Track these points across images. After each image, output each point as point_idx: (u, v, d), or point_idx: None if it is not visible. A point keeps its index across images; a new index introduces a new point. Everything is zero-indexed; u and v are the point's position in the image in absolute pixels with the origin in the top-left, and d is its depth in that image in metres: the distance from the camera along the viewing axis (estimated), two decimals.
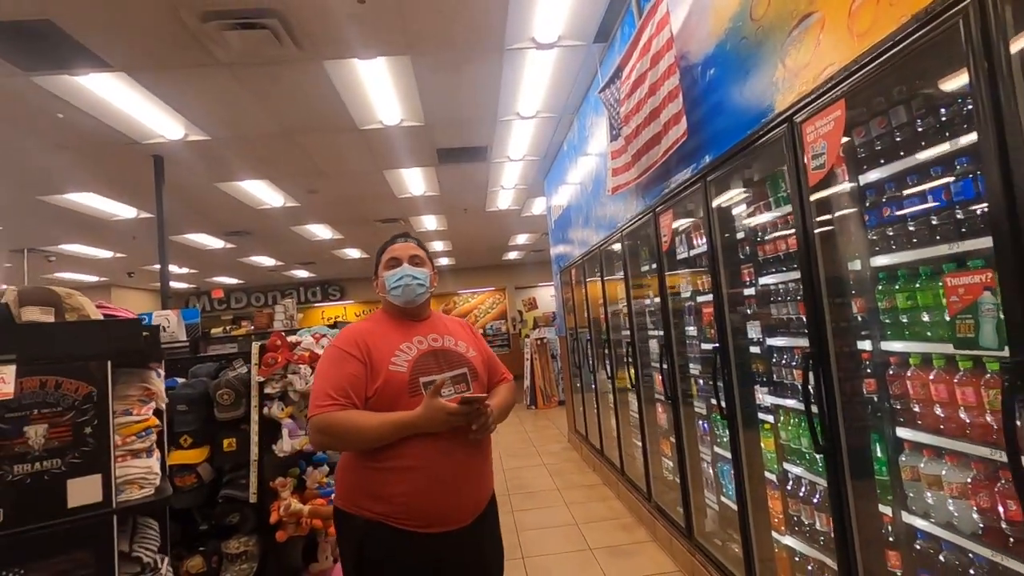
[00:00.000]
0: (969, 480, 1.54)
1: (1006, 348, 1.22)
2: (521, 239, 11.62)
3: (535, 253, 13.36)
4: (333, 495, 1.55)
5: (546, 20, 3.58)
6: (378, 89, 4.31)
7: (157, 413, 1.44)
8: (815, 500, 2.23)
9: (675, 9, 2.76)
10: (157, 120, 4.44)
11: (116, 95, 3.98)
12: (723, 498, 3.02)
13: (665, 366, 3.29)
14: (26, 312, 1.14)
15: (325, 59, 3.78)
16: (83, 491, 1.09)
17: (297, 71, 3.90)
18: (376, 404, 1.51)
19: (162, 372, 1.56)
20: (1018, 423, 1.17)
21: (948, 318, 1.49)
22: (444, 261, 13.82)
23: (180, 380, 2.74)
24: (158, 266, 5.49)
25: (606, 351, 4.75)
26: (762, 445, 2.54)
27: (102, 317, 1.32)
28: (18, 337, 1.10)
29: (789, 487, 2.41)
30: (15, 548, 1.02)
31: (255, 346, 2.71)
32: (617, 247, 4.24)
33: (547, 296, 15.00)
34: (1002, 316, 1.23)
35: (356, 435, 1.44)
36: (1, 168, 5.15)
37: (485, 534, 1.62)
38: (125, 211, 6.72)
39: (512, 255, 13.78)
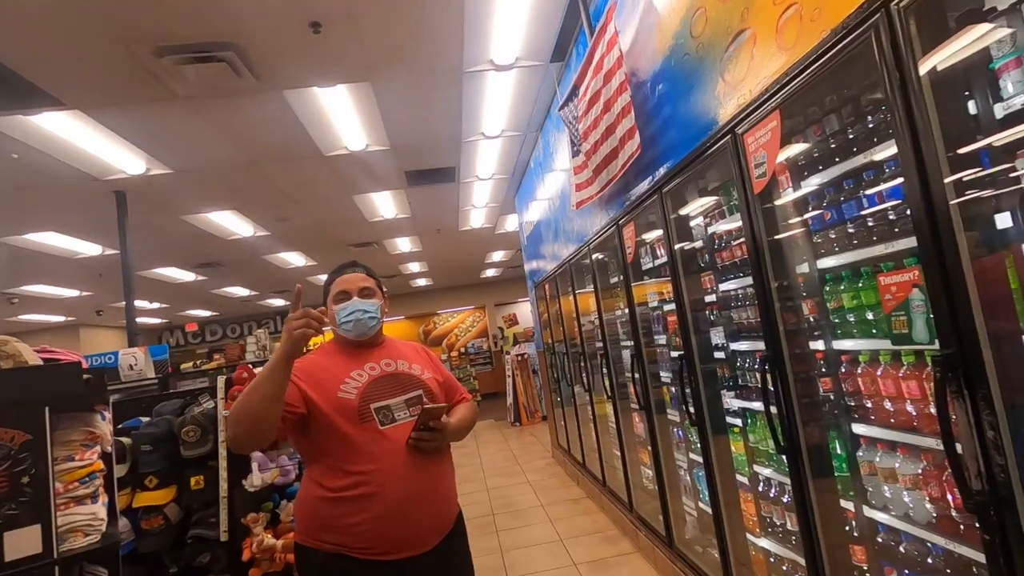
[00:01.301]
0: (920, 471, 1.59)
1: (936, 342, 1.27)
2: (497, 256, 11.66)
3: (512, 269, 13.41)
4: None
5: (502, 42, 3.66)
6: (341, 116, 4.33)
7: (105, 457, 1.40)
8: (785, 500, 2.26)
9: (624, 28, 2.85)
10: (117, 155, 4.39)
11: (72, 132, 3.94)
12: (701, 504, 3.04)
13: (637, 375, 3.32)
14: None
15: (285, 88, 3.80)
16: (21, 543, 1.05)
17: (257, 102, 3.91)
18: (326, 432, 1.48)
19: (108, 414, 1.53)
20: (951, 413, 1.21)
21: (883, 315, 1.54)
22: (422, 282, 13.79)
23: (144, 419, 2.68)
24: (124, 303, 5.38)
25: (582, 364, 4.77)
26: (732, 449, 2.57)
27: (41, 362, 1.29)
28: None
29: (760, 489, 2.44)
30: None
31: (220, 380, 2.66)
32: (587, 260, 4.29)
33: (527, 311, 15.01)
34: (930, 312, 1.28)
35: (246, 400, 1.38)
36: None
37: (452, 555, 1.61)
38: (89, 248, 6.59)
39: (490, 272, 13.81)
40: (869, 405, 1.76)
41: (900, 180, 1.55)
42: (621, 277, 3.65)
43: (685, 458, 3.19)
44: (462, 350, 14.93)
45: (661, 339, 3.29)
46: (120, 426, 2.57)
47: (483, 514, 4.82)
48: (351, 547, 1.45)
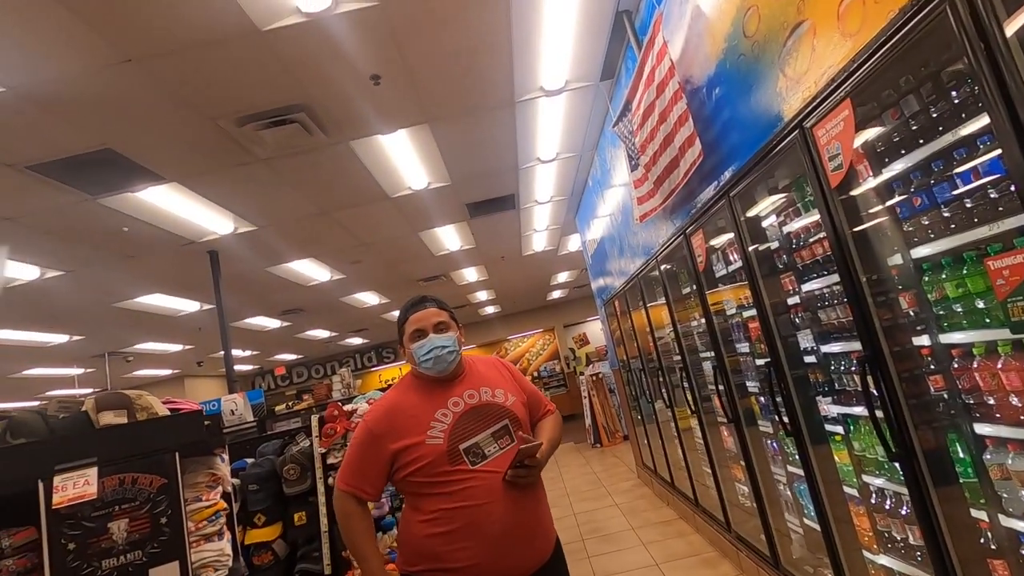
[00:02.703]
0: None
1: None
2: (562, 277, 11.65)
3: (578, 289, 13.33)
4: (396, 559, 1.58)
5: (551, 68, 3.73)
6: (403, 158, 4.54)
7: (226, 497, 1.53)
8: (903, 512, 2.08)
9: (672, 37, 2.84)
10: (208, 219, 4.81)
11: (171, 203, 4.37)
12: (806, 520, 2.84)
13: (721, 387, 3.19)
14: (103, 417, 1.26)
15: (351, 139, 4.04)
16: None
17: (327, 155, 4.18)
18: (418, 476, 1.53)
19: (226, 457, 1.66)
20: None
21: (997, 302, 1.41)
22: (490, 309, 13.97)
23: (249, 460, 2.87)
24: (223, 352, 5.82)
25: (660, 379, 4.65)
26: (835, 458, 2.40)
27: (168, 412, 1.43)
28: (98, 440, 1.21)
29: (873, 501, 2.26)
30: None
31: (314, 419, 2.81)
32: (655, 273, 4.21)
33: (597, 330, 14.82)
34: None
35: (345, 536, 1.60)
36: (80, 283, 5.66)
37: None
38: (189, 306, 7.20)
39: (556, 294, 13.80)
40: (991, 402, 1.60)
41: (998, 153, 1.45)
42: (694, 287, 3.56)
43: (783, 471, 3.01)
44: (535, 374, 14.91)
45: (743, 347, 3.16)
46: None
47: (573, 540, 4.73)
48: (449, 573, 1.48)
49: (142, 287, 6.25)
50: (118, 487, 1.18)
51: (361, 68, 3.25)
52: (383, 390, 3.49)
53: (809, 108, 1.83)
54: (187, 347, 9.75)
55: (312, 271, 7.05)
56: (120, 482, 1.18)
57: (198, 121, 3.40)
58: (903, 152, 1.74)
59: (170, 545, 1.20)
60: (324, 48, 3.00)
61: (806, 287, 2.43)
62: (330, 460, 2.74)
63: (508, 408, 1.67)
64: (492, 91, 3.82)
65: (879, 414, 1.76)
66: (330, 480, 2.73)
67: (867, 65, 1.53)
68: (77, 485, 1.10)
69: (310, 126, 3.67)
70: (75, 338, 7.55)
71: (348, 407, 2.94)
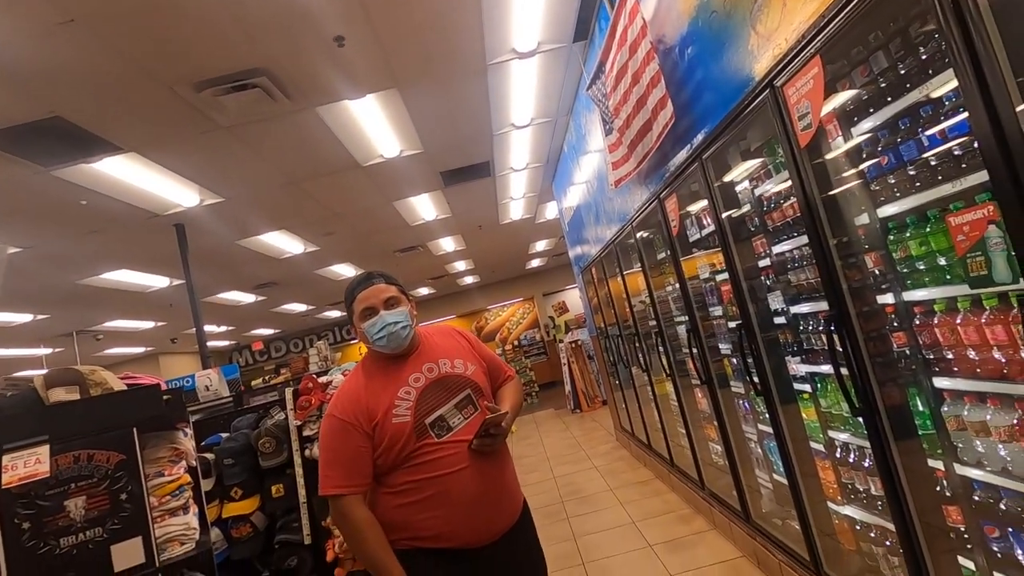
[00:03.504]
0: (1015, 421, 1.48)
1: (1021, 280, 1.18)
2: (540, 246, 11.63)
3: (556, 257, 13.35)
4: None
5: (522, 29, 3.62)
6: (373, 125, 4.41)
7: (191, 471, 1.50)
8: (866, 464, 2.16)
9: None
10: (173, 191, 4.65)
11: (131, 174, 4.19)
12: (775, 476, 2.94)
13: (695, 350, 3.24)
14: (53, 394, 1.21)
15: (318, 105, 3.90)
16: (126, 554, 1.14)
17: (293, 122, 4.04)
18: (385, 454, 1.50)
19: (189, 431, 1.63)
20: None
21: (958, 258, 1.43)
22: (468, 279, 13.93)
23: (223, 435, 2.84)
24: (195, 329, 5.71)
25: (637, 344, 4.71)
26: (803, 416, 2.47)
27: (125, 387, 1.39)
28: (48, 418, 1.17)
29: (838, 455, 2.34)
30: None
31: (288, 392, 2.78)
32: (631, 239, 4.21)
33: (575, 298, 14.92)
34: (1011, 249, 1.18)
35: (356, 548, 1.52)
36: (41, 260, 5.46)
37: (521, 542, 1.63)
38: (158, 281, 7.02)
39: (535, 263, 13.80)
40: (950, 356, 1.65)
41: (964, 114, 1.45)
42: (668, 252, 3.57)
43: (754, 430, 3.10)
44: (515, 343, 15.01)
45: (717, 311, 3.20)
46: (203, 443, 2.72)
47: (552, 502, 4.85)
48: (424, 541, 1.49)
49: (107, 263, 6.06)
50: (73, 464, 1.15)
51: (324, 28, 3.11)
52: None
53: (780, 66, 1.80)
54: (159, 324, 9.56)
55: (284, 243, 6.91)
56: (75, 459, 1.15)
57: (152, 87, 3.23)
58: (871, 110, 1.74)
59: (131, 521, 1.18)
60: (283, 6, 2.85)
61: (777, 249, 2.45)
62: (306, 432, 2.73)
63: (469, 378, 1.66)
64: (462, 53, 3.71)
65: (844, 372, 1.80)
66: (307, 452, 2.72)
67: (837, 20, 1.51)
68: (28, 464, 1.06)
69: (273, 91, 3.53)
70: (39, 317, 7.33)
71: (323, 379, 2.91)
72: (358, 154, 4.85)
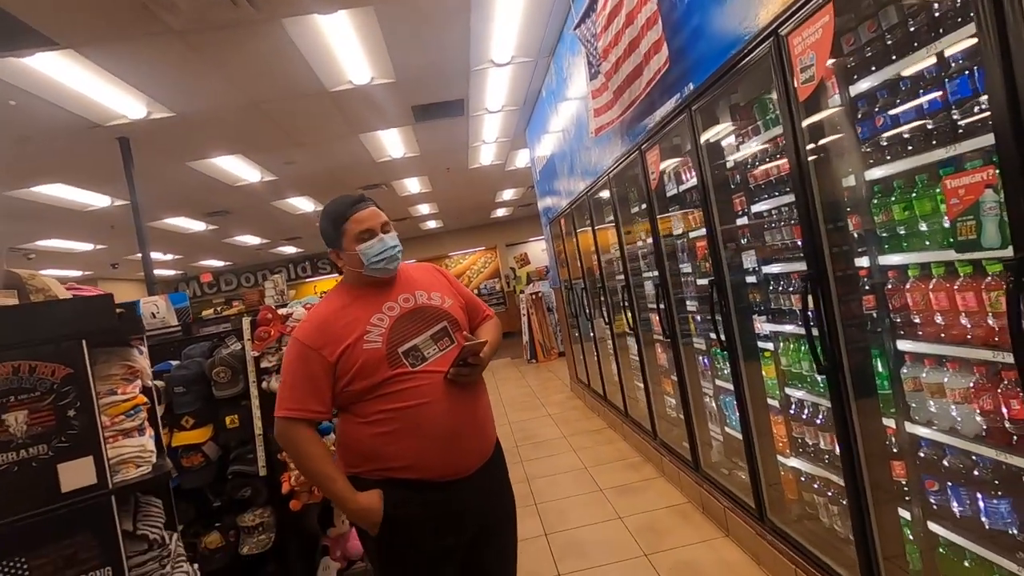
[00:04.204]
0: (971, 385, 1.55)
1: (1009, 248, 1.19)
2: (508, 195, 11.46)
3: (523, 208, 13.21)
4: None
5: None
6: (344, 46, 4.11)
7: (146, 392, 1.40)
8: (818, 421, 2.26)
9: None
10: (116, 99, 4.24)
11: (68, 75, 3.78)
12: (727, 429, 3.06)
13: (662, 306, 3.27)
14: None
15: (283, 17, 3.58)
16: (76, 474, 1.06)
17: (256, 33, 3.70)
18: (357, 382, 1.46)
19: (144, 349, 1.52)
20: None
21: (948, 223, 1.45)
22: (432, 224, 13.67)
23: (174, 363, 2.70)
24: (140, 254, 5.37)
25: (602, 298, 4.74)
26: (763, 373, 2.55)
27: (71, 296, 1.26)
28: None
29: (792, 411, 2.43)
30: (12, 538, 1.00)
31: (246, 321, 2.66)
32: (605, 193, 4.16)
33: (539, 251, 14.93)
34: (1005, 214, 1.19)
35: (301, 465, 1.51)
36: None
37: (492, 479, 1.63)
38: (98, 200, 6.53)
39: (500, 212, 13.63)
40: (917, 321, 1.70)
41: (966, 75, 1.43)
42: (643, 207, 3.55)
43: (711, 385, 3.20)
44: (476, 291, 14.99)
45: (686, 267, 3.23)
46: (152, 369, 2.58)
47: (507, 447, 4.93)
48: (396, 472, 1.46)
49: (41, 175, 5.56)
50: (11, 375, 1.02)
51: None
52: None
53: (787, 13, 1.73)
54: (99, 247, 8.99)
55: (240, 169, 6.51)
56: (14, 370, 1.03)
57: None
58: (873, 68, 1.70)
59: (81, 439, 1.08)
60: None
61: (756, 208, 2.45)
62: (263, 364, 2.63)
63: (446, 310, 1.62)
64: None
65: (814, 332, 1.84)
66: (264, 384, 2.63)
67: None
68: None
69: None
70: None
71: (283, 311, 2.79)
72: (325, 78, 4.53)
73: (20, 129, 4.43)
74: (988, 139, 1.27)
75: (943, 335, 1.61)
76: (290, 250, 13.45)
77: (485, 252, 15.48)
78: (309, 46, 3.99)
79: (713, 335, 2.69)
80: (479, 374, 1.60)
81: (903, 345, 1.76)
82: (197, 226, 8.83)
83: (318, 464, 1.46)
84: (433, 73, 4.88)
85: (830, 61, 1.76)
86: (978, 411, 1.52)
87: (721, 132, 2.63)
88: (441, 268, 1.80)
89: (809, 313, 1.84)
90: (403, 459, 1.46)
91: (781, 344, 2.45)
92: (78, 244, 8.59)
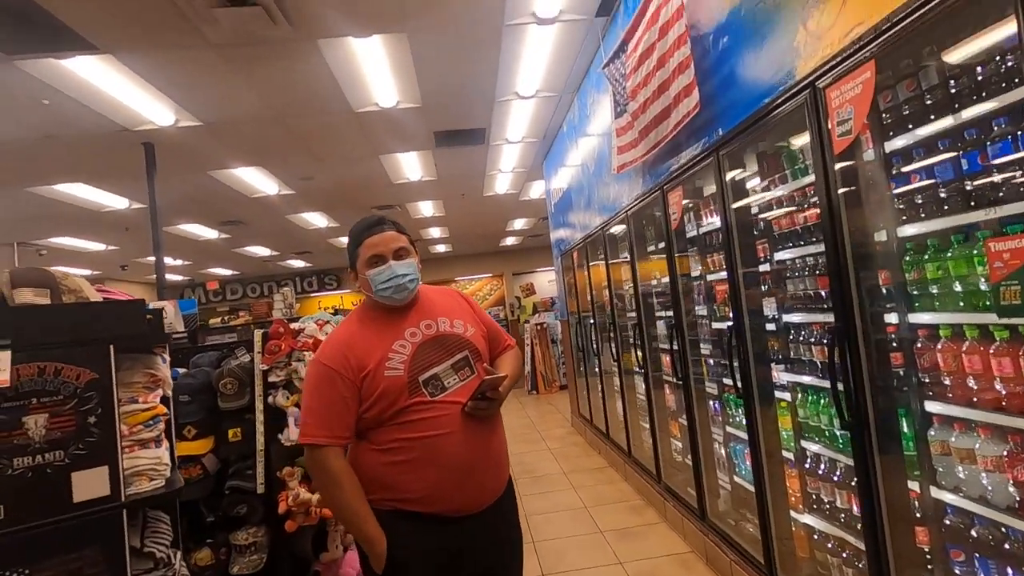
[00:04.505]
0: (1005, 453, 1.50)
1: None
2: (519, 224, 11.51)
3: (533, 238, 13.25)
4: None
5: None
6: (374, 69, 4.18)
7: (164, 401, 1.36)
8: (835, 477, 2.19)
9: None
10: (147, 105, 4.31)
11: (103, 79, 3.85)
12: (736, 478, 2.99)
13: (676, 347, 3.23)
14: (19, 294, 1.05)
15: (319, 38, 3.66)
16: (89, 484, 1.01)
17: (290, 51, 3.78)
18: (375, 408, 1.43)
19: (167, 357, 1.49)
20: None
21: (986, 286, 1.43)
22: (441, 248, 13.71)
23: (181, 370, 2.67)
24: (152, 258, 5.38)
25: (611, 334, 4.70)
26: (779, 423, 2.49)
27: (101, 299, 1.24)
28: (12, 320, 1.01)
29: (807, 465, 2.37)
30: (18, 547, 0.95)
31: (257, 334, 2.63)
32: (621, 228, 4.17)
33: (545, 281, 14.92)
34: None
35: (332, 498, 1.44)
36: None
37: (501, 520, 1.58)
38: (117, 202, 6.58)
39: (510, 240, 13.68)
40: (947, 382, 1.66)
41: (1009, 139, 1.43)
42: (660, 245, 3.55)
43: (721, 431, 3.13)
44: None
45: (702, 310, 3.20)
46: None
47: None
48: (407, 503, 1.42)
49: (62, 173, 5.62)
50: (37, 377, 0.99)
51: None
52: (334, 314, 3.32)
53: (827, 66, 1.75)
54: (111, 247, 9.02)
55: (259, 181, 6.57)
56: (40, 371, 1.00)
57: None
58: (910, 126, 1.71)
59: (99, 448, 1.04)
60: None
61: (779, 255, 2.44)
62: (271, 378, 2.59)
63: (468, 339, 1.59)
64: (481, 6, 3.52)
65: (840, 386, 1.80)
66: (270, 399, 2.59)
67: (903, 24, 1.45)
68: None
69: (275, 13, 3.27)
70: None
71: (295, 326, 2.77)
72: (353, 98, 4.60)
73: (49, 127, 4.49)
74: None
75: (975, 399, 1.57)
76: (298, 264, 13.48)
77: (492, 279, 15.48)
78: (340, 67, 4.07)
79: (727, 380, 2.65)
80: (497, 408, 1.57)
81: (931, 406, 1.71)
82: (210, 234, 8.88)
83: (349, 502, 1.40)
84: (458, 101, 4.96)
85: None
86: (1011, 481, 1.47)
87: (747, 177, 2.63)
88: (464, 295, 1.78)
89: (836, 366, 1.80)
90: (416, 490, 1.42)
91: (799, 395, 2.40)
92: (90, 243, 8.62)
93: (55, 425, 1.00)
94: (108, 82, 3.90)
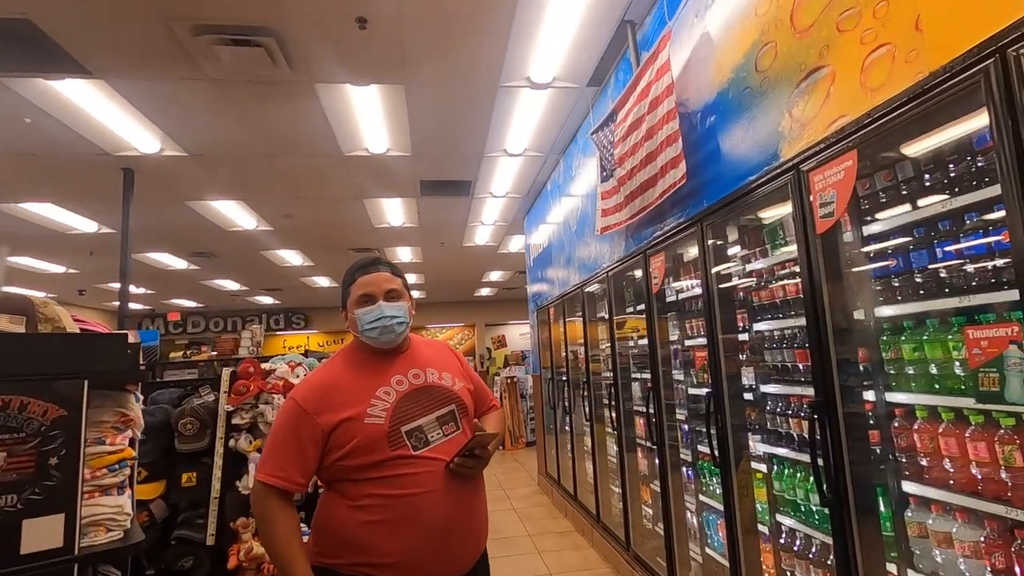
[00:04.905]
0: (982, 539, 1.51)
1: None
2: (495, 276, 11.58)
3: (507, 291, 13.33)
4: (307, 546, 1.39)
5: (543, 60, 3.64)
6: (368, 116, 4.26)
7: (132, 443, 1.26)
8: (811, 555, 2.16)
9: (674, 56, 2.83)
10: (132, 132, 4.27)
11: (92, 103, 3.82)
12: (708, 550, 2.92)
13: (652, 410, 3.22)
14: None
15: (317, 82, 3.73)
16: (41, 533, 0.91)
17: (286, 92, 3.83)
18: (353, 458, 1.36)
19: (140, 396, 1.39)
20: None
21: (961, 370, 1.47)
22: (415, 294, 13.61)
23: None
24: (113, 284, 5.22)
25: (584, 393, 4.67)
26: (755, 495, 2.47)
27: (79, 331, 1.16)
28: None
29: (782, 540, 2.34)
30: None
31: (225, 372, 2.53)
32: (600, 288, 4.22)
33: (517, 334, 14.91)
34: None
35: (266, 539, 1.37)
36: None
37: None
38: (85, 224, 6.39)
39: (484, 291, 13.71)
40: (924, 463, 1.68)
41: (980, 233, 1.52)
42: (639, 307, 3.59)
43: (694, 500, 3.08)
44: None
45: (679, 374, 3.22)
46: None
47: None
48: (378, 569, 1.32)
49: (32, 192, 5.45)
50: (0, 411, 0.91)
51: (350, 6, 2.99)
52: (306, 354, 3.22)
53: (811, 152, 1.85)
54: (71, 271, 8.69)
55: (238, 216, 6.49)
56: (4, 405, 0.91)
57: (148, 16, 2.97)
58: (887, 214, 1.80)
59: (56, 493, 0.94)
60: None
61: (757, 326, 2.49)
62: (235, 420, 2.47)
63: (456, 393, 1.55)
64: (480, 68, 3.67)
65: (820, 461, 1.80)
66: (231, 443, 2.46)
67: (883, 121, 1.56)
68: None
69: (276, 55, 3.34)
70: None
71: (265, 366, 2.67)
72: (344, 142, 4.66)
73: (25, 145, 4.39)
74: (1010, 295, 1.32)
75: (952, 482, 1.59)
76: (267, 300, 13.18)
77: (463, 328, 15.39)
78: (335, 111, 4.14)
79: (701, 447, 2.63)
80: (483, 468, 1.51)
81: (908, 487, 1.73)
82: (179, 264, 8.65)
83: (283, 543, 1.32)
84: (447, 153, 5.07)
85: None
86: (989, 568, 1.48)
87: (728, 249, 2.72)
88: (454, 349, 1.75)
89: (816, 441, 1.81)
90: (391, 554, 1.33)
91: (775, 467, 2.40)
92: (50, 265, 8.29)
93: (12, 465, 0.90)
94: (95, 106, 3.86)
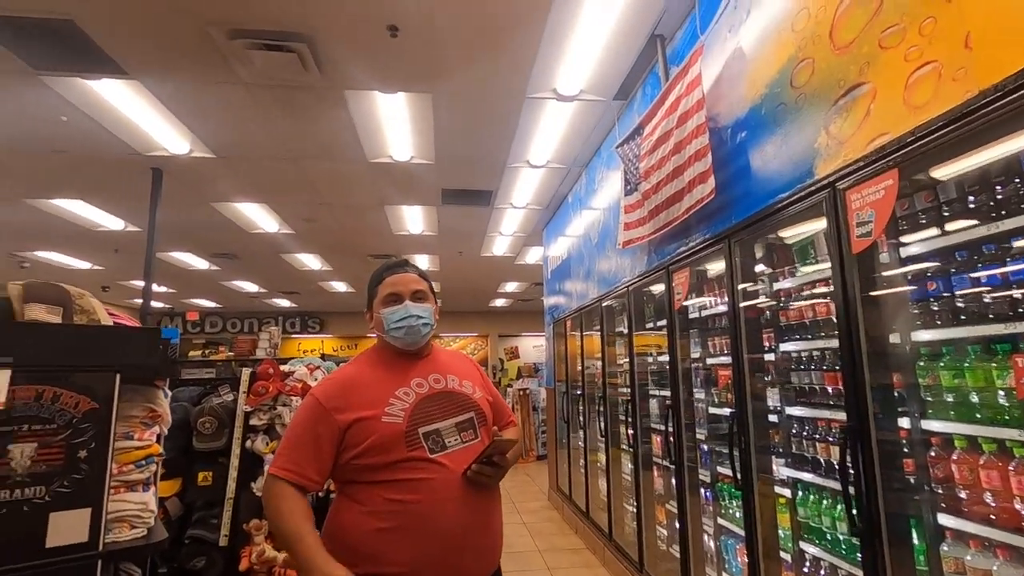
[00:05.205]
0: None
1: None
2: (511, 287, 11.57)
3: (522, 303, 13.31)
4: None
5: (571, 73, 3.64)
6: (394, 124, 4.30)
7: (159, 439, 1.26)
8: None
9: (705, 70, 2.81)
10: (163, 133, 4.35)
11: (126, 103, 3.90)
12: (724, 574, 2.84)
13: (671, 428, 3.16)
14: (30, 310, 0.98)
15: (346, 88, 3.77)
16: (67, 528, 0.90)
17: (316, 97, 3.88)
18: (368, 456, 1.35)
19: (169, 392, 1.39)
20: None
21: (1005, 399, 1.41)
22: None
23: None
24: (136, 282, 5.30)
25: (600, 408, 4.61)
26: (777, 521, 2.40)
27: (112, 324, 1.16)
28: (17, 337, 0.93)
29: (806, 568, 2.26)
30: None
31: (245, 372, 2.53)
32: (619, 302, 4.18)
33: (530, 346, 14.85)
34: None
35: (273, 521, 1.33)
36: None
37: None
38: (112, 222, 6.51)
39: (499, 302, 13.70)
40: (963, 496, 1.62)
41: None
42: (659, 323, 3.54)
43: (712, 523, 3.01)
44: None
45: (699, 393, 3.16)
46: None
47: None
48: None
49: (63, 189, 5.57)
50: (32, 402, 0.90)
51: (382, 14, 3.02)
52: (324, 357, 3.22)
53: (848, 170, 1.81)
54: (96, 267, 8.85)
55: (261, 218, 6.57)
56: (37, 396, 0.91)
57: (187, 20, 3.03)
58: (927, 235, 1.75)
59: (84, 487, 0.93)
60: None
61: (784, 347, 2.43)
62: (253, 421, 2.47)
63: (475, 401, 1.54)
64: (507, 79, 3.68)
65: (851, 489, 1.74)
66: (248, 444, 2.46)
67: (926, 140, 1.52)
68: None
69: (308, 61, 3.38)
70: None
71: (284, 368, 2.67)
72: (369, 148, 4.70)
73: (60, 143, 4.49)
74: None
75: (993, 516, 1.52)
76: (284, 303, 13.31)
77: (477, 339, 15.37)
78: (362, 117, 4.17)
79: (721, 468, 2.56)
80: (500, 478, 1.48)
81: (944, 519, 1.66)
82: (201, 264, 8.77)
83: (290, 520, 1.28)
84: (470, 162, 5.08)
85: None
86: None
87: (755, 267, 2.67)
88: (475, 361, 1.75)
89: (848, 467, 1.75)
90: (401, 562, 1.30)
91: (800, 492, 2.33)
92: (76, 261, 8.46)
93: (42, 457, 0.89)
94: (130, 106, 3.94)
